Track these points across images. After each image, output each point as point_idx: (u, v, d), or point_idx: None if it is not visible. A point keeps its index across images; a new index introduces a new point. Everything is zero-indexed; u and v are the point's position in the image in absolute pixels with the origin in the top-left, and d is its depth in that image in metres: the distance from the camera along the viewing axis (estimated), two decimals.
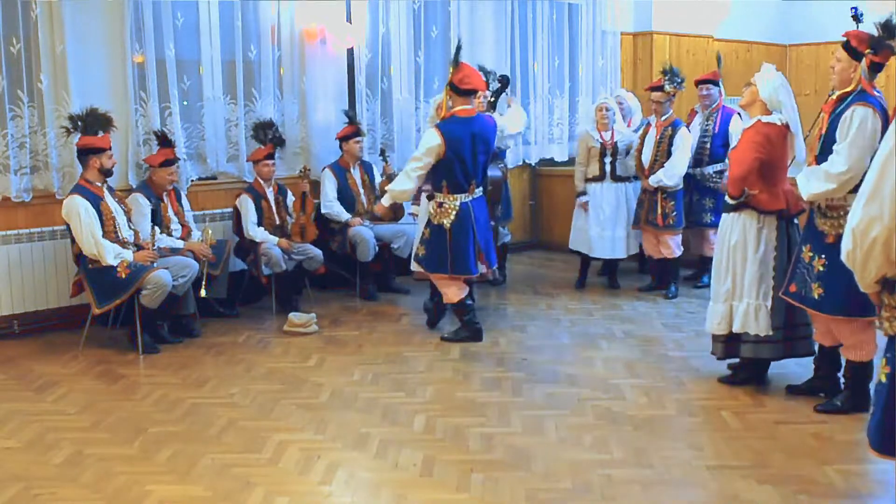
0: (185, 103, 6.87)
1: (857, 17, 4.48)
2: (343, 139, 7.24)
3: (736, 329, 4.80)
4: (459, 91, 5.75)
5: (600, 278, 7.77)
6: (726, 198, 4.81)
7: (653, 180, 6.93)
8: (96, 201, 5.64)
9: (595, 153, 7.34)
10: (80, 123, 5.74)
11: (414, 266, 6.26)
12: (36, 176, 6.17)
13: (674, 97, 7.05)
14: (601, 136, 7.30)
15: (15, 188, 6.04)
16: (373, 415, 4.58)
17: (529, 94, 9.04)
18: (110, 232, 5.65)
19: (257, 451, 4.08)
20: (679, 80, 7.02)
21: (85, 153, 5.69)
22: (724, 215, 4.91)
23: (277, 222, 6.77)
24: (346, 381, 5.16)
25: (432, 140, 5.72)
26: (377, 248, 7.05)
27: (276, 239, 6.66)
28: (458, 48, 5.83)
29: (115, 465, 3.95)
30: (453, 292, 5.96)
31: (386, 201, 6.04)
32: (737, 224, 4.76)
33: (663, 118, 7.00)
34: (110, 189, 5.84)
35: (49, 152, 6.13)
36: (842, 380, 4.62)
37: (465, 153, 5.74)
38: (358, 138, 7.24)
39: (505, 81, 7.15)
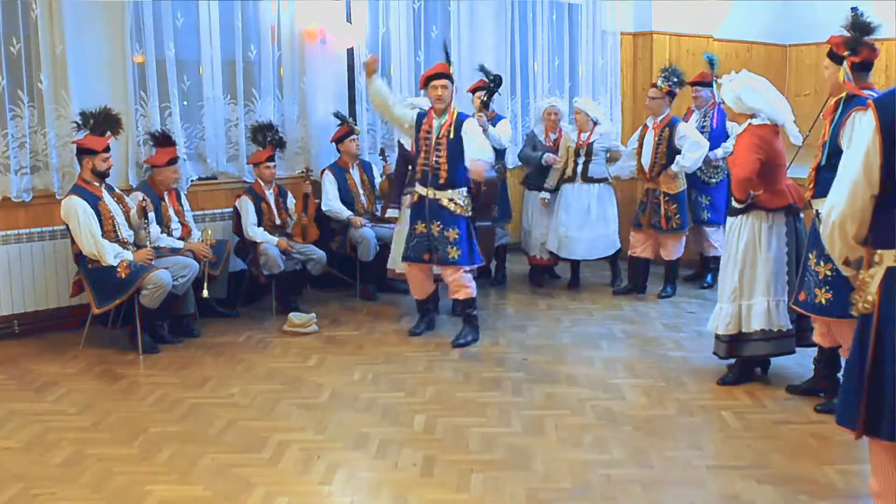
0: (185, 103, 6.87)
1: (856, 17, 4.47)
2: (338, 140, 7.24)
3: (759, 327, 4.81)
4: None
5: (599, 278, 7.77)
6: (732, 202, 4.83)
7: (675, 167, 6.85)
8: (94, 201, 5.63)
9: (570, 153, 7.35)
10: (91, 121, 5.74)
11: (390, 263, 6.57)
12: (36, 176, 6.16)
13: (671, 97, 6.98)
14: (579, 137, 7.32)
15: (15, 188, 6.03)
16: (373, 415, 4.59)
17: (529, 94, 9.04)
18: (109, 232, 5.65)
19: (257, 451, 4.08)
20: (674, 80, 6.96)
21: (80, 153, 5.70)
22: (729, 219, 4.92)
23: (278, 223, 6.78)
24: (346, 381, 5.16)
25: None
26: (378, 248, 7.05)
27: (276, 239, 6.66)
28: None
29: (115, 465, 3.95)
30: (410, 286, 6.19)
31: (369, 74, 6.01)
32: (745, 225, 4.80)
33: (660, 119, 6.98)
34: (109, 188, 5.84)
35: (49, 152, 6.12)
36: (841, 380, 4.63)
37: None
38: (353, 136, 7.24)
39: (498, 81, 7.15)
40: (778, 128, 4.76)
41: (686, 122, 7.33)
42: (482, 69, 7.25)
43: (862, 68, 4.30)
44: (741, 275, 4.82)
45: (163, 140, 6.32)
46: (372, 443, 4.18)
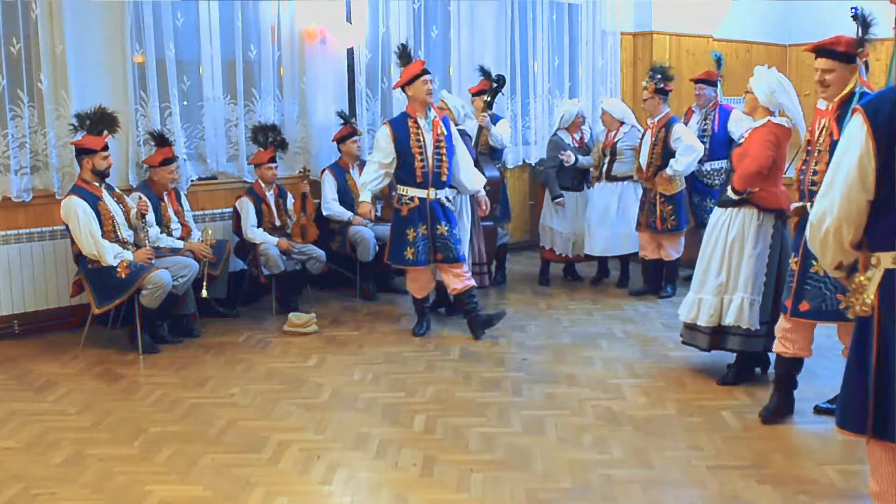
0: (185, 103, 6.87)
1: (857, 17, 4.46)
2: (340, 140, 7.25)
3: (729, 322, 4.84)
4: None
5: (605, 277, 7.77)
6: (728, 192, 4.82)
7: (668, 171, 6.83)
8: (94, 201, 5.63)
9: (601, 153, 7.41)
10: (87, 122, 5.74)
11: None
12: (36, 176, 6.17)
13: (663, 95, 6.92)
14: (606, 137, 7.36)
15: (15, 188, 6.04)
16: (373, 415, 4.59)
17: (529, 94, 9.05)
18: (109, 232, 5.65)
19: (257, 451, 4.08)
20: (658, 77, 6.89)
21: (79, 153, 5.70)
22: (717, 209, 4.93)
23: (278, 224, 6.78)
24: (346, 381, 5.16)
25: None
26: (377, 248, 7.05)
27: (276, 239, 6.66)
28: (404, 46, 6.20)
29: (115, 465, 3.95)
30: (413, 287, 6.16)
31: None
32: (736, 219, 4.80)
33: (657, 119, 6.96)
34: (109, 188, 5.84)
35: (49, 152, 6.13)
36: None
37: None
38: (355, 138, 7.25)
39: (501, 81, 7.15)
40: (791, 132, 4.75)
41: (687, 122, 7.33)
42: (482, 70, 7.26)
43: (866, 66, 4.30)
44: (728, 270, 4.84)
45: (159, 140, 6.33)
46: (372, 443, 4.18)
